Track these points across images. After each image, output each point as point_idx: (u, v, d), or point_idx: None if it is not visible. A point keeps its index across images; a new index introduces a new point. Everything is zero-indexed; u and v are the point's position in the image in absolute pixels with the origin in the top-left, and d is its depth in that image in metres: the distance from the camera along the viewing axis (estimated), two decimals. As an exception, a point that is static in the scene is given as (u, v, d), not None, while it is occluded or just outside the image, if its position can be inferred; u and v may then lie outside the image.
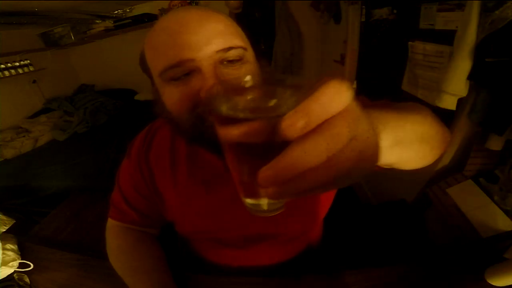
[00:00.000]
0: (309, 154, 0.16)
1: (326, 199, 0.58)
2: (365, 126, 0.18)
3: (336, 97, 0.16)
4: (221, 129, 0.20)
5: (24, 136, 1.94)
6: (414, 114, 0.33)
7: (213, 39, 0.39)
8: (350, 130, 0.17)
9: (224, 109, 0.20)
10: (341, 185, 0.19)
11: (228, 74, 0.40)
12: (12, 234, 0.78)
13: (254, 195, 0.23)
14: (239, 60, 0.42)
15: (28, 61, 2.13)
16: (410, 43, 1.12)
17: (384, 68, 1.43)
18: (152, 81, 0.47)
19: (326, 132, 0.16)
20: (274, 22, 2.30)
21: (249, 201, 0.24)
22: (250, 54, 0.45)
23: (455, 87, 0.88)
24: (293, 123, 0.16)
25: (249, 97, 0.23)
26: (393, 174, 0.37)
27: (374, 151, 0.19)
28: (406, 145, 0.29)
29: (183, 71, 0.39)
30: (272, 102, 0.21)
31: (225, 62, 0.41)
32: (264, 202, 0.23)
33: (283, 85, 0.22)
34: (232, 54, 0.40)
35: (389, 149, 0.25)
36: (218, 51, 0.39)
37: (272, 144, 0.17)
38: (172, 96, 0.42)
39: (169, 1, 2.26)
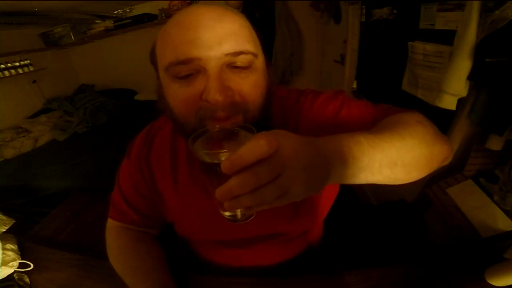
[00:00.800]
0: (238, 185, 0.25)
1: (327, 200, 0.58)
2: (291, 171, 0.25)
3: (254, 153, 0.24)
4: (196, 160, 0.32)
5: (24, 136, 1.94)
6: (394, 139, 0.34)
7: (224, 40, 0.37)
8: (271, 173, 0.24)
9: (198, 154, 0.31)
10: (282, 204, 0.27)
11: (233, 81, 0.39)
12: (12, 234, 0.78)
13: (222, 208, 0.31)
14: (247, 67, 0.40)
15: (28, 61, 2.13)
16: (410, 43, 1.12)
17: (384, 68, 1.42)
18: (157, 75, 0.46)
19: (253, 170, 0.24)
20: (274, 22, 2.30)
21: (224, 213, 0.33)
22: (260, 61, 0.43)
23: (455, 87, 0.87)
24: (225, 167, 0.25)
25: (220, 147, 0.34)
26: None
27: (308, 186, 0.27)
28: (373, 171, 0.32)
29: (189, 69, 0.38)
30: (226, 151, 0.32)
31: (232, 67, 0.39)
32: (237, 213, 0.32)
33: (243, 132, 0.33)
34: (241, 59, 0.39)
35: (352, 176, 0.31)
36: (227, 54, 0.38)
37: (224, 175, 0.25)
38: (175, 97, 0.41)
39: (169, 1, 2.27)
